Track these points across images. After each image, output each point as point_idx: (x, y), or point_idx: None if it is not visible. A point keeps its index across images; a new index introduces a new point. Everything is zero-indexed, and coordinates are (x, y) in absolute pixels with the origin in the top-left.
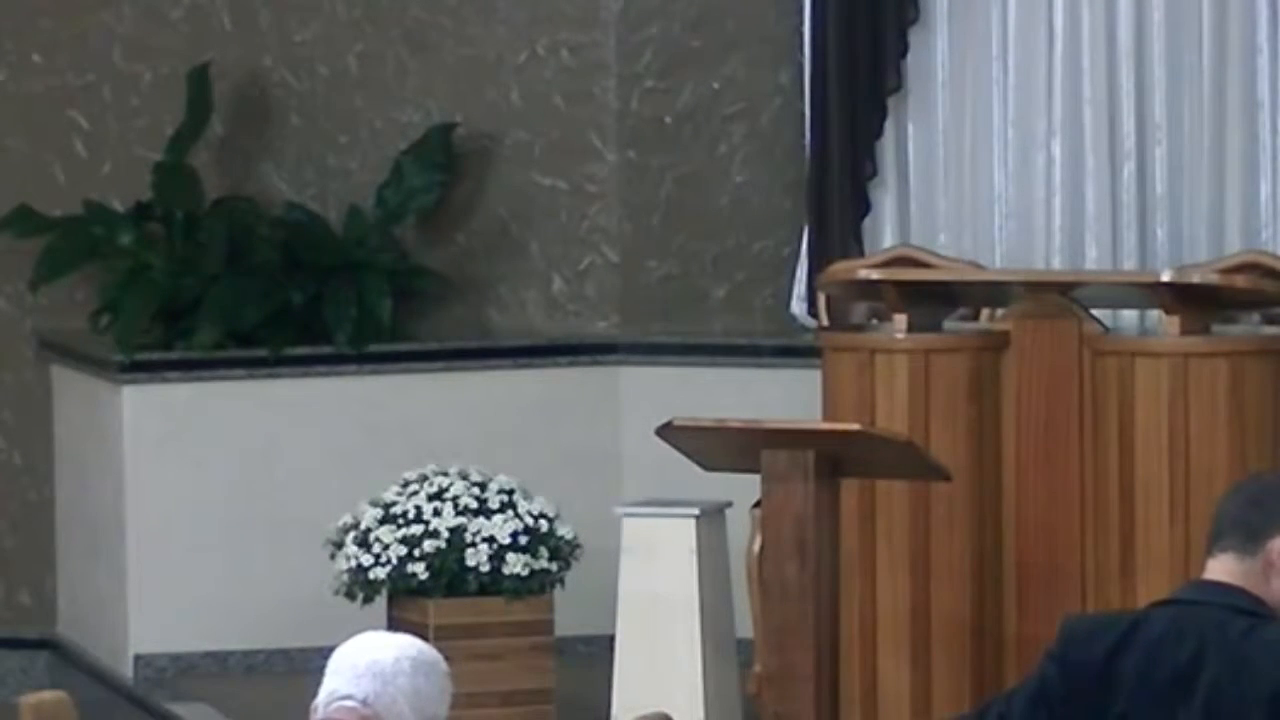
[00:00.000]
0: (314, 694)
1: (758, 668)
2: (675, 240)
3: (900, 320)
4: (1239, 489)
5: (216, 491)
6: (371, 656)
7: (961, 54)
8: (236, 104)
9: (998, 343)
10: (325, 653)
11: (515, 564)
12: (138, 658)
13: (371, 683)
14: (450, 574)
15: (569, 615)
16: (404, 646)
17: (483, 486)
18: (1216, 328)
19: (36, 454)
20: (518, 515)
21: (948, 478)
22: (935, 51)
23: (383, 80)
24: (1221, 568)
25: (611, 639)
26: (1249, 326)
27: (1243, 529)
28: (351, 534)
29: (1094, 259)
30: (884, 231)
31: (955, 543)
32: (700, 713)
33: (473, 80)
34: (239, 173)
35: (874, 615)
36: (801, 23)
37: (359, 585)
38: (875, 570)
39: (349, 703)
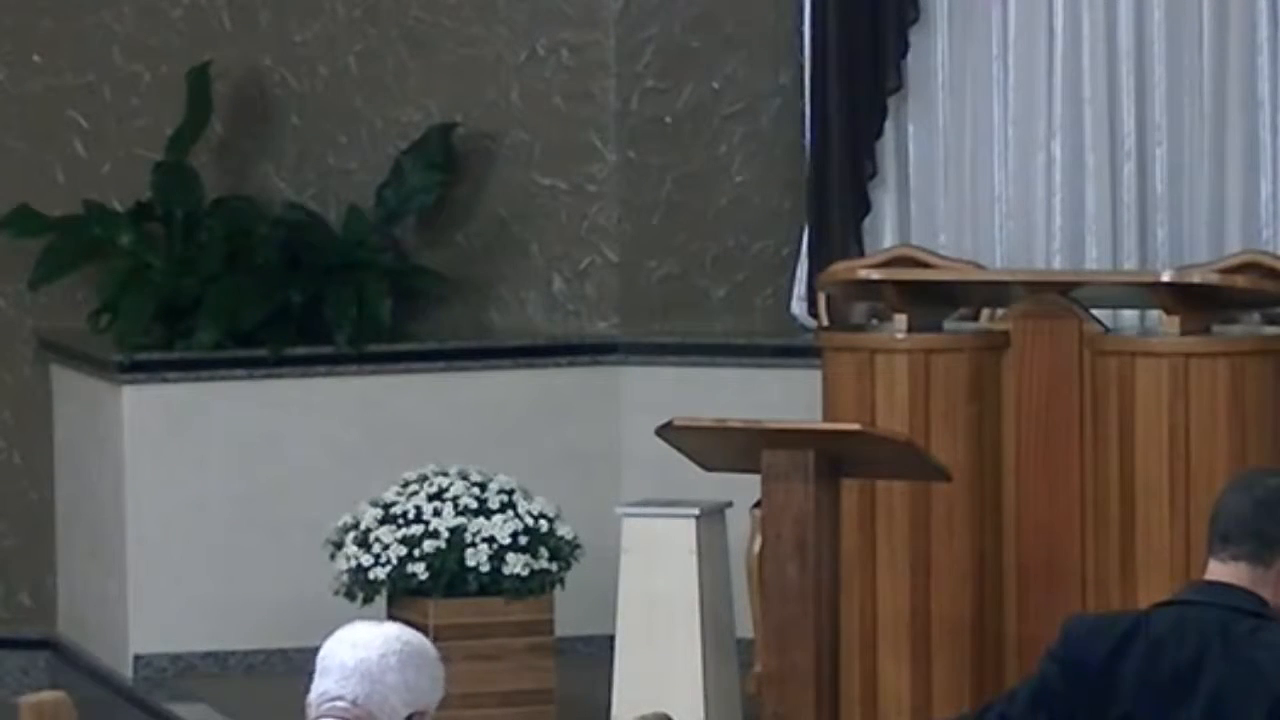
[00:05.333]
0: None
1: (758, 668)
2: (675, 240)
3: (900, 320)
4: (1244, 489)
5: (216, 491)
6: (359, 655)
7: (961, 54)
8: (236, 104)
9: (998, 343)
10: None
11: (515, 564)
12: (137, 658)
13: (360, 683)
14: (450, 574)
15: (569, 615)
16: (389, 640)
17: (483, 486)
18: (1216, 328)
19: (36, 454)
20: (518, 515)
21: (948, 478)
22: (935, 51)
23: (383, 80)
24: (1229, 572)
25: (611, 639)
26: (1249, 326)
27: (1255, 537)
28: (351, 534)
29: (1094, 259)
30: (884, 231)
31: (955, 543)
32: (700, 713)
33: (473, 80)
34: (239, 173)
35: (874, 615)
36: (801, 23)
37: (359, 585)
38: (875, 570)
39: (340, 703)
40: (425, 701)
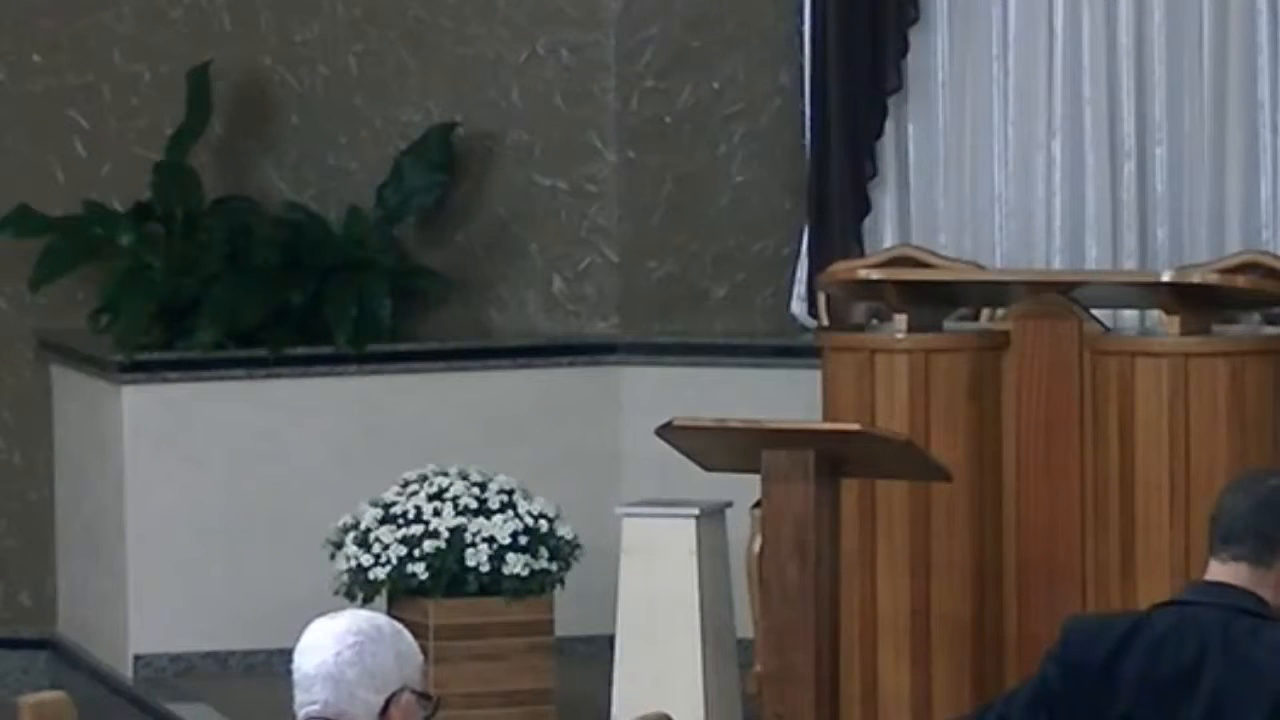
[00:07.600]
0: None
1: (758, 668)
2: (675, 240)
3: (900, 320)
4: (1245, 490)
5: (216, 491)
6: (315, 661)
7: (961, 54)
8: (236, 104)
9: (998, 343)
10: None
11: (515, 564)
12: (138, 658)
13: (324, 687)
14: (450, 574)
15: (569, 615)
16: (341, 637)
17: (483, 486)
18: (1216, 328)
19: (36, 454)
20: (518, 515)
21: (948, 478)
22: (935, 51)
23: (383, 80)
24: (1229, 572)
25: (611, 639)
26: (1249, 326)
27: (1256, 538)
28: (351, 534)
29: (1094, 259)
30: (884, 231)
31: (955, 543)
32: (700, 713)
33: (473, 80)
34: (239, 173)
35: (874, 615)
36: (801, 23)
37: (359, 585)
38: (875, 570)
39: (314, 708)
40: (398, 680)
